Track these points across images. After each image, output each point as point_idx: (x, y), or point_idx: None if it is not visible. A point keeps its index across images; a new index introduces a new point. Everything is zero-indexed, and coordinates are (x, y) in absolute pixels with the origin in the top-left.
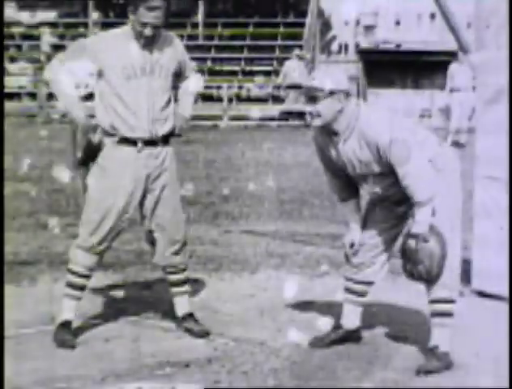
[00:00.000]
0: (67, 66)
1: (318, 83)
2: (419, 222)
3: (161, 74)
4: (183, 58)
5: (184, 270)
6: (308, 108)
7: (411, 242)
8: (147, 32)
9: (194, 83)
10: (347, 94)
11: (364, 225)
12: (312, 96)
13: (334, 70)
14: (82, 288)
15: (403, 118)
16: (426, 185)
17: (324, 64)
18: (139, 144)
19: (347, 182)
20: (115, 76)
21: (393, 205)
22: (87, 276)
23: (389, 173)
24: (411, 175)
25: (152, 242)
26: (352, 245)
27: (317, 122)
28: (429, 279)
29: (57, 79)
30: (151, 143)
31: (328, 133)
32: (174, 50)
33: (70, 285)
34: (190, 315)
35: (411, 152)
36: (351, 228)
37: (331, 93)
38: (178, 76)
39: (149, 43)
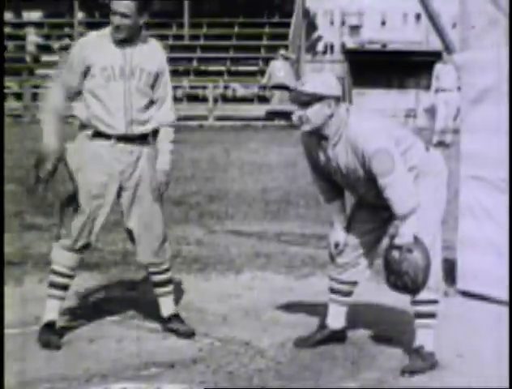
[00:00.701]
0: (61, 80)
1: (309, 88)
2: (402, 234)
3: (141, 77)
4: (162, 66)
5: (167, 270)
6: (297, 112)
7: (395, 254)
8: (116, 20)
9: (169, 133)
10: (338, 99)
11: (350, 225)
12: (302, 101)
13: (325, 75)
14: (65, 287)
15: (392, 124)
16: (407, 198)
17: (310, 64)
18: (113, 139)
19: (332, 184)
20: (96, 76)
21: (379, 208)
22: (69, 276)
23: (375, 181)
24: (391, 187)
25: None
26: (336, 245)
27: (306, 127)
28: (415, 289)
29: (48, 106)
30: (125, 139)
31: (317, 137)
32: (156, 56)
33: (53, 285)
34: (175, 315)
35: (394, 164)
36: (335, 228)
37: (321, 98)
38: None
39: (122, 37)
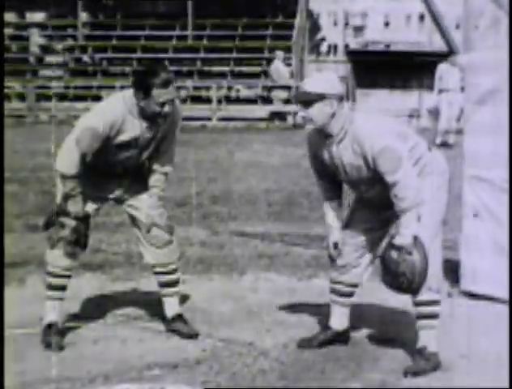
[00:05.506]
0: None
1: (310, 87)
2: (403, 234)
3: (155, 144)
4: (175, 120)
5: (175, 271)
6: (300, 112)
7: (394, 254)
8: (168, 108)
9: (162, 180)
10: (341, 98)
11: (349, 225)
12: (304, 100)
13: (326, 74)
14: (62, 288)
15: (396, 123)
16: (413, 193)
17: (314, 65)
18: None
19: (333, 183)
20: (108, 147)
21: (379, 208)
22: (66, 276)
23: (378, 179)
24: (400, 184)
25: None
26: (335, 246)
27: (309, 127)
28: (409, 291)
29: (70, 173)
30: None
31: (322, 135)
32: (172, 118)
33: (51, 287)
34: (179, 316)
35: (401, 161)
36: (333, 227)
37: (323, 97)
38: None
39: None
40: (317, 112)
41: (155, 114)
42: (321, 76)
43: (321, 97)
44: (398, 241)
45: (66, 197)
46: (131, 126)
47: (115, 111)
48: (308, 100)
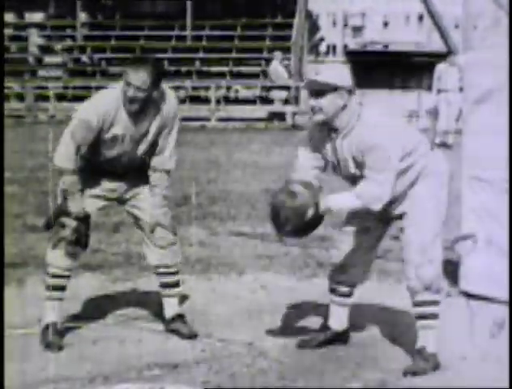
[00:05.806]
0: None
1: (324, 78)
2: (329, 199)
3: (149, 140)
4: (169, 118)
5: (177, 272)
6: (311, 102)
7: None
8: (130, 92)
9: (164, 179)
10: (350, 91)
11: (348, 224)
12: (315, 91)
13: (338, 66)
14: (62, 288)
15: (402, 123)
16: (379, 197)
17: (313, 64)
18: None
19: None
20: (102, 140)
21: None
22: (66, 277)
23: None
24: (374, 183)
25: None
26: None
27: (319, 117)
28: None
29: (69, 170)
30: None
31: (327, 128)
32: (165, 109)
33: (50, 287)
34: (179, 316)
35: (386, 167)
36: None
37: (335, 89)
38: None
39: (134, 110)
40: (329, 103)
41: (128, 99)
42: (333, 67)
43: (333, 88)
44: (321, 204)
45: (66, 194)
46: (124, 119)
47: (109, 103)
48: (320, 90)
